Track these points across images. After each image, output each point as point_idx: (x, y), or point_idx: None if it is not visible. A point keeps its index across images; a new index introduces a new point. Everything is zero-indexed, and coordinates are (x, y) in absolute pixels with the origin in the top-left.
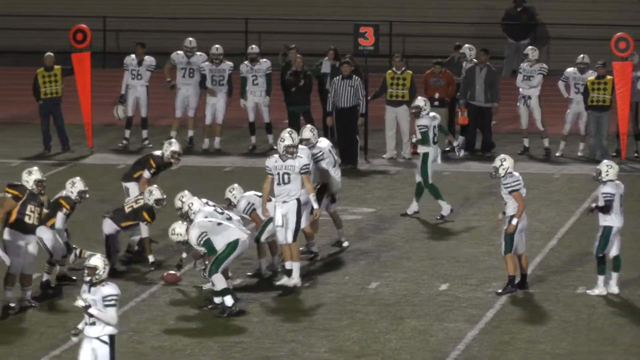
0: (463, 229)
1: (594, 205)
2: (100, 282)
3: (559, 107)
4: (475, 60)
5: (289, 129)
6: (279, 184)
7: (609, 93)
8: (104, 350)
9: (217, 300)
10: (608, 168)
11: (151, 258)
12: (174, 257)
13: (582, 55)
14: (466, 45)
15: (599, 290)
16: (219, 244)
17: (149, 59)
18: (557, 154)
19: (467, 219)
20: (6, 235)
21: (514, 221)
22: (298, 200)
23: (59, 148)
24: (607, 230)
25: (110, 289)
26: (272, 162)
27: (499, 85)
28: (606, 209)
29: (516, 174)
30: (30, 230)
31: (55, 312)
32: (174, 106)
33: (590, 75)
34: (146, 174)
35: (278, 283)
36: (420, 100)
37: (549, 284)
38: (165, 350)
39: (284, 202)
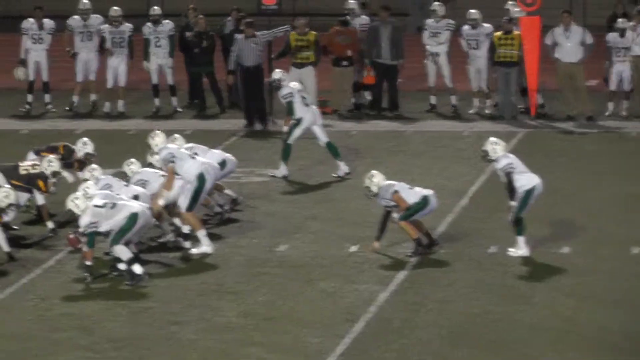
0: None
1: (509, 204)
2: None
3: (465, 64)
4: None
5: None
6: None
7: (516, 48)
8: None
9: (121, 267)
10: (494, 145)
11: (50, 225)
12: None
13: (471, 11)
14: (351, 0)
15: (522, 251)
16: (115, 224)
17: (49, 23)
18: (471, 111)
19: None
20: None
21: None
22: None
23: None
24: (529, 192)
25: None
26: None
27: (403, 42)
28: (510, 183)
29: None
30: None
31: None
32: (75, 70)
33: (492, 30)
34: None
35: (194, 251)
36: (276, 73)
37: (461, 243)
38: (73, 317)
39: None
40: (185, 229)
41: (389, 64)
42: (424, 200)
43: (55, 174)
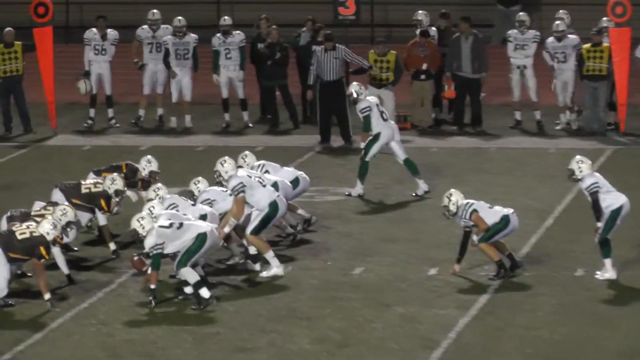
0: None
1: (596, 226)
2: None
3: (547, 78)
4: (434, 27)
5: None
6: None
7: (605, 62)
8: None
9: (188, 290)
10: (580, 164)
11: (112, 246)
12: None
13: (557, 22)
14: (420, 11)
15: (608, 274)
16: (182, 245)
17: (112, 33)
18: (558, 127)
19: None
20: None
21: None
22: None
23: (20, 129)
24: (615, 212)
25: None
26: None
27: (487, 55)
28: (596, 203)
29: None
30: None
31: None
32: (142, 82)
33: (578, 41)
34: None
35: (264, 274)
36: (354, 86)
37: (545, 266)
38: (136, 343)
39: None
40: (253, 250)
41: (470, 77)
42: (504, 220)
43: (118, 193)
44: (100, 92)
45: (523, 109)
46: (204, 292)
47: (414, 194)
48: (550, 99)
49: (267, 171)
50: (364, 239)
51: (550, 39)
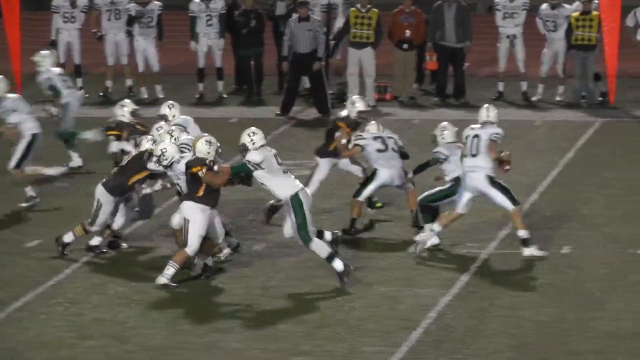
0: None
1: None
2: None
3: (537, 47)
4: None
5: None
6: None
7: (594, 30)
8: None
9: (336, 265)
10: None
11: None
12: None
13: None
14: None
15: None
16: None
17: (82, 0)
18: (534, 98)
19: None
20: None
21: None
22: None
23: None
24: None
25: None
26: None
27: (471, 23)
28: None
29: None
30: None
31: None
32: (105, 54)
33: (573, 11)
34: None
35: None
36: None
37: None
38: (105, 324)
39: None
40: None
41: (454, 47)
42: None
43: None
44: (69, 62)
45: (507, 80)
46: (338, 265)
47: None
48: (538, 69)
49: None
50: (344, 216)
51: (544, 6)
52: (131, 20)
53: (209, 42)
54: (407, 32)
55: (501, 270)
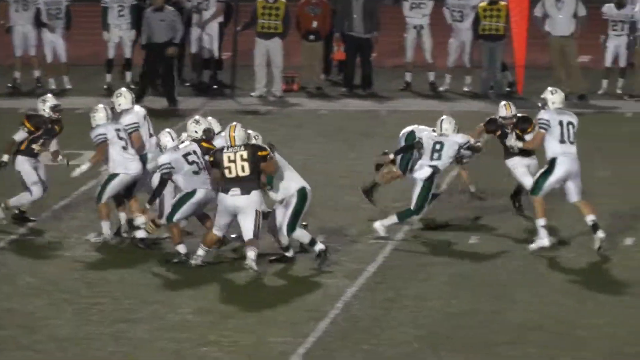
0: (343, 173)
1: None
2: None
3: (444, 38)
4: None
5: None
6: None
7: (502, 21)
8: None
9: (317, 248)
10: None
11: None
12: None
13: None
14: None
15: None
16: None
17: None
18: (442, 89)
19: (347, 163)
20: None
21: None
22: None
23: None
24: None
25: None
26: None
27: (378, 14)
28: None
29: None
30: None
31: None
32: (13, 45)
33: (480, 1)
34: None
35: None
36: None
37: (440, 233)
38: (14, 314)
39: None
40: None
41: (361, 38)
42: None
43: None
44: None
45: (414, 70)
46: (319, 246)
47: None
48: (445, 60)
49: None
50: None
51: None
52: (39, 13)
53: (120, 33)
54: (314, 23)
55: (409, 261)
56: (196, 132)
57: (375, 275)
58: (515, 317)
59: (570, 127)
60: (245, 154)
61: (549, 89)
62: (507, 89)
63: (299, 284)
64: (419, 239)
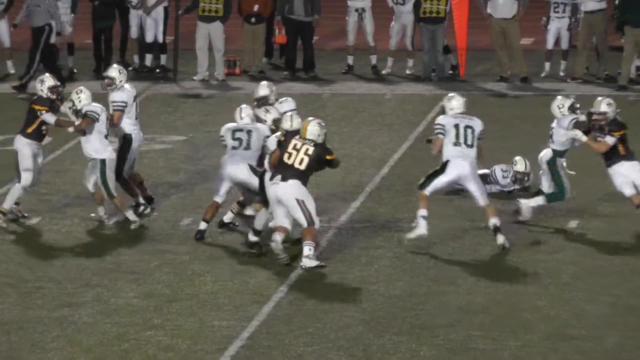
0: None
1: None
2: None
3: (386, 21)
4: None
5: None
6: None
7: (443, 3)
8: None
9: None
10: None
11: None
12: None
13: None
14: None
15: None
16: None
17: None
18: (384, 72)
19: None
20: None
21: None
22: None
23: None
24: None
25: None
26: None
27: None
28: None
29: None
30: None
31: None
32: None
33: None
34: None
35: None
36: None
37: (381, 217)
38: None
39: None
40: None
41: (303, 21)
42: None
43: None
44: None
45: (356, 53)
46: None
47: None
48: (386, 43)
49: None
50: (193, 190)
51: None
52: None
53: (63, 17)
54: (256, 7)
55: (352, 245)
56: (265, 121)
57: (319, 259)
58: (458, 300)
59: (469, 130)
60: (311, 151)
61: (448, 95)
62: (450, 71)
63: (241, 268)
64: (360, 223)
